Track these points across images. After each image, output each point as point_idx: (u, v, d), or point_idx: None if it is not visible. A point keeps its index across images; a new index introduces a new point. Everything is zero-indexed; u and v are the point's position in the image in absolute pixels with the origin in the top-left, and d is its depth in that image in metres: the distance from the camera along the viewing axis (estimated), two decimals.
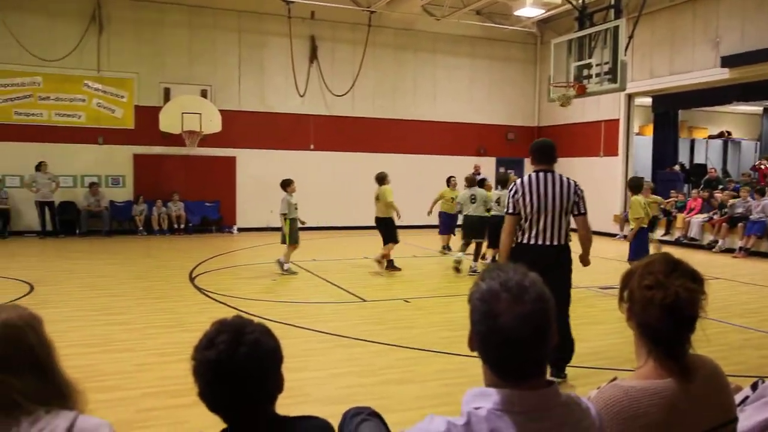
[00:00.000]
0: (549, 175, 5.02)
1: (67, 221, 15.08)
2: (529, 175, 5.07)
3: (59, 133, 15.20)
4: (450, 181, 13.66)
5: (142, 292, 8.57)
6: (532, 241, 5.05)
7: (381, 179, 10.77)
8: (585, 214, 5.16)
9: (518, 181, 5.13)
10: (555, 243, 5.04)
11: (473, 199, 10.85)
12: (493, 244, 10.09)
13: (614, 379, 1.74)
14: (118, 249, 13.14)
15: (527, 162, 20.18)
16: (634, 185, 9.02)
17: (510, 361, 1.41)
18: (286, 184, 10.32)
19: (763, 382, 1.97)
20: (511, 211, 5.10)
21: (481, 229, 10.58)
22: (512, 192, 5.10)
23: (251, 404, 1.62)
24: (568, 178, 5.09)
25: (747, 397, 1.95)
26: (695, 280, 1.68)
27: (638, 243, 8.47)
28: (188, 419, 4.06)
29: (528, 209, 5.00)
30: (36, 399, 1.47)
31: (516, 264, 1.48)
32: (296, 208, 10.32)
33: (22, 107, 14.92)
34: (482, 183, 11.74)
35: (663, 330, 1.66)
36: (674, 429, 1.61)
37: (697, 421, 1.64)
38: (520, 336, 1.37)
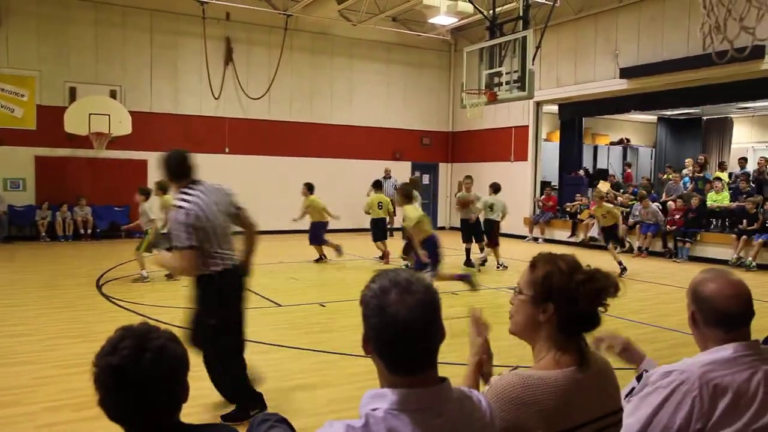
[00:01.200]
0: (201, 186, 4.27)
1: None
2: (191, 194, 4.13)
3: None
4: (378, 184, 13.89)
5: (45, 302, 8.22)
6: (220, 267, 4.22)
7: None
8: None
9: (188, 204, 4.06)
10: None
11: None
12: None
13: (515, 367, 1.81)
14: (17, 256, 12.50)
15: (442, 166, 20.73)
16: (405, 194, 8.49)
17: (403, 352, 1.45)
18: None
19: (646, 371, 2.10)
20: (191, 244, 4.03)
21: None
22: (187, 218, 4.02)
23: (155, 412, 1.58)
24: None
25: (633, 389, 2.07)
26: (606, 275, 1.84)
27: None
28: None
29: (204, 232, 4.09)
30: None
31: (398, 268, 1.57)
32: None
33: None
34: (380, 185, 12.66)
35: (592, 317, 1.79)
36: (565, 416, 1.70)
37: (587, 409, 1.74)
38: (411, 324, 1.43)
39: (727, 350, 1.99)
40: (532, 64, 12.22)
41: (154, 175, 16.15)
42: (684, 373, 1.94)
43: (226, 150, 17.16)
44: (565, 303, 1.78)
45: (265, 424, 1.92)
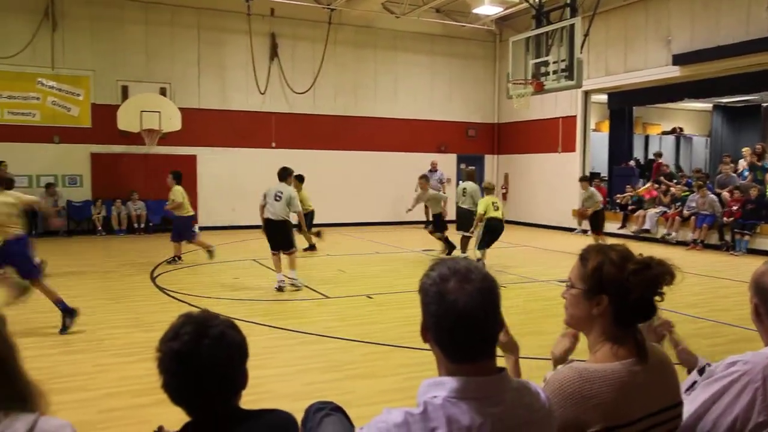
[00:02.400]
0: None
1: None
2: None
3: (13, 132, 14.79)
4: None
5: (102, 293, 8.46)
6: None
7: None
8: None
9: None
10: None
11: (464, 192, 11.64)
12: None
13: (571, 361, 1.80)
14: (76, 249, 12.91)
15: (487, 158, 20.53)
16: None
17: (462, 339, 1.46)
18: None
19: (710, 365, 2.04)
20: None
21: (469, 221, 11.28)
22: None
23: (214, 397, 1.62)
24: None
25: (695, 382, 2.03)
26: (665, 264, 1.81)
27: None
28: (150, 418, 4.02)
29: None
30: None
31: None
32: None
33: None
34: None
35: (648, 307, 1.77)
36: (624, 409, 1.67)
37: (646, 402, 1.71)
38: (471, 312, 1.43)
39: None
40: (581, 53, 11.99)
41: (203, 169, 16.55)
42: (748, 364, 1.88)
43: (273, 144, 17.36)
44: (619, 294, 1.75)
45: (320, 412, 1.97)
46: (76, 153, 15.44)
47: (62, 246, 13.37)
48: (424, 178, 12.72)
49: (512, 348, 2.10)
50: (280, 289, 8.45)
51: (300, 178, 12.33)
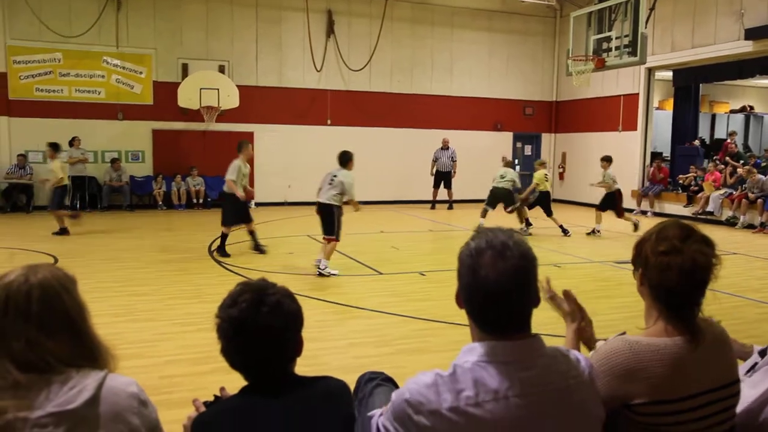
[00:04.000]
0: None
1: (90, 196, 15.31)
2: None
3: (79, 109, 15.35)
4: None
5: (162, 265, 8.73)
6: None
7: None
8: None
9: None
10: None
11: (502, 177, 12.30)
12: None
13: (623, 333, 1.78)
14: (138, 223, 13.34)
15: (544, 136, 20.13)
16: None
17: (492, 313, 1.48)
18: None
19: None
20: None
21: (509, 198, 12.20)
22: None
23: (270, 363, 1.68)
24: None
25: (756, 364, 1.98)
26: (709, 245, 1.74)
27: None
28: (208, 385, 4.13)
29: None
30: (68, 360, 1.49)
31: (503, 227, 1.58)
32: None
33: (43, 84, 15.08)
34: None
35: (679, 293, 1.71)
36: (675, 385, 1.65)
37: (700, 379, 1.68)
38: (501, 290, 1.45)
39: None
40: (645, 28, 11.61)
41: (260, 146, 16.80)
42: None
43: (328, 122, 17.46)
44: (646, 272, 1.76)
45: (372, 382, 2.01)
46: (138, 129, 15.90)
47: (125, 219, 13.86)
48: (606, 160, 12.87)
49: (574, 316, 2.06)
50: (320, 274, 8.05)
51: (54, 147, 11.26)
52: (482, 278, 1.46)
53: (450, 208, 16.79)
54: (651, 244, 1.77)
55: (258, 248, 9.65)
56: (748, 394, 1.84)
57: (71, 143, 14.75)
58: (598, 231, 12.17)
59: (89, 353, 1.55)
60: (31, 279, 1.52)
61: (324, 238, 8.38)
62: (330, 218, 8.30)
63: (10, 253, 9.26)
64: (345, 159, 8.57)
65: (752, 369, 1.97)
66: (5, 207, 14.65)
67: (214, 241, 10.05)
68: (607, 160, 12.54)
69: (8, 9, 14.63)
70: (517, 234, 1.54)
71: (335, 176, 8.33)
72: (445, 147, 17.28)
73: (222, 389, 1.87)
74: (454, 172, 17.12)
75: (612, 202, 12.46)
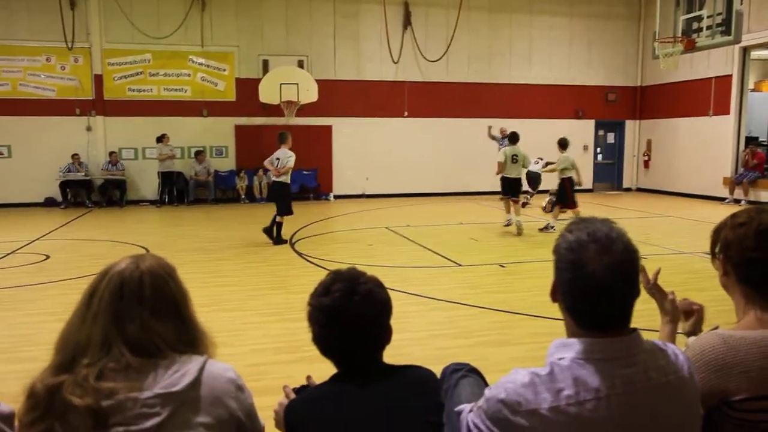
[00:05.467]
0: None
1: (178, 190, 16.02)
2: None
3: (167, 107, 16.07)
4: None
5: (246, 257, 8.98)
6: None
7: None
8: None
9: None
10: None
11: (515, 159, 11.15)
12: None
13: (716, 327, 1.72)
14: (223, 216, 13.83)
15: (628, 123, 19.43)
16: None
17: (596, 310, 1.43)
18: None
19: None
20: None
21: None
22: None
23: (361, 351, 1.71)
24: None
25: None
26: None
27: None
28: (293, 374, 4.22)
29: None
30: (173, 344, 1.56)
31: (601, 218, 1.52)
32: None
33: (134, 84, 15.90)
34: None
35: (760, 262, 1.67)
36: None
37: None
38: (607, 285, 1.39)
39: None
40: (741, 4, 10.97)
41: (338, 139, 17.02)
42: None
43: (405, 114, 17.49)
44: (727, 251, 1.74)
45: (457, 373, 1.98)
46: (222, 125, 16.47)
47: (210, 213, 14.41)
48: None
49: (674, 318, 1.98)
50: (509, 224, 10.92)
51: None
52: (587, 274, 1.40)
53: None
54: (728, 225, 1.75)
55: (280, 239, 9.84)
56: None
57: (160, 140, 15.46)
58: (552, 227, 10.84)
59: (192, 338, 1.62)
60: (141, 266, 1.60)
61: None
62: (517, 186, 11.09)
63: (109, 246, 9.80)
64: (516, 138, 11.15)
65: None
66: (101, 201, 15.53)
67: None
68: (560, 143, 11.19)
69: (104, 14, 15.47)
70: (616, 224, 1.49)
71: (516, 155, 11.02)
72: (505, 136, 16.68)
73: (309, 377, 1.91)
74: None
75: (561, 191, 11.12)
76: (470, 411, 1.55)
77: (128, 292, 1.55)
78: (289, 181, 9.98)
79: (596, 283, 1.40)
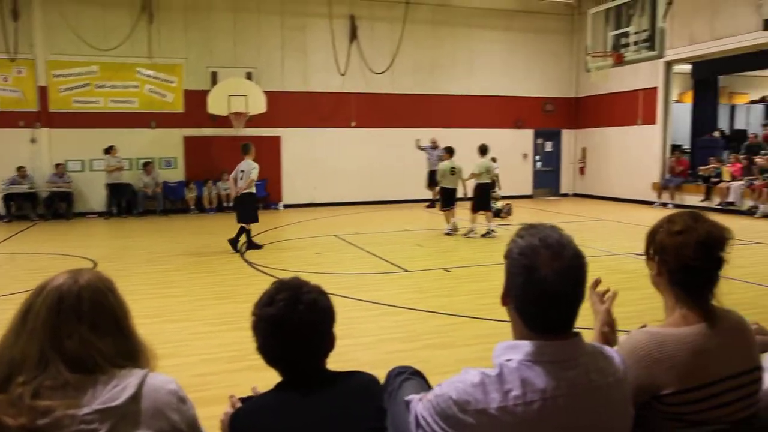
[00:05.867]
0: None
1: (126, 202, 15.88)
2: None
3: (115, 119, 15.96)
4: None
5: (195, 267, 8.93)
6: None
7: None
8: None
9: None
10: None
11: (453, 171, 11.76)
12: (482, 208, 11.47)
13: (644, 325, 1.81)
14: (172, 227, 13.77)
15: (564, 132, 20.32)
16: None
17: (547, 313, 1.47)
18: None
19: None
20: None
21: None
22: None
23: (305, 358, 1.72)
24: None
25: None
26: (719, 224, 1.79)
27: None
28: (241, 383, 4.17)
29: None
30: (113, 359, 1.52)
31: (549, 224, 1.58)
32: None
33: (80, 95, 15.73)
34: None
35: (697, 270, 1.73)
36: (698, 372, 1.67)
37: (720, 366, 1.70)
38: (558, 290, 1.44)
39: None
40: (663, 22, 11.70)
41: (287, 149, 17.26)
42: None
43: (353, 124, 17.86)
44: (662, 256, 1.79)
45: (401, 376, 2.12)
46: (170, 137, 16.46)
47: (158, 224, 14.33)
48: None
49: (605, 316, 1.97)
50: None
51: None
52: (540, 278, 1.43)
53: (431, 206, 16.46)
54: (664, 229, 1.80)
55: (252, 245, 10.30)
56: None
57: (108, 152, 15.37)
58: (493, 231, 11.24)
59: (132, 352, 1.59)
60: (79, 281, 1.57)
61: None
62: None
63: (52, 258, 9.62)
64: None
65: None
66: (46, 214, 15.28)
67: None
68: (480, 149, 11.67)
69: (48, 26, 15.29)
70: (563, 231, 1.53)
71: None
72: (434, 146, 16.56)
73: (254, 388, 1.91)
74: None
75: (480, 195, 11.53)
76: (419, 401, 1.60)
77: (66, 307, 1.52)
78: (254, 191, 10.42)
79: (548, 287, 1.43)
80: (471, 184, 11.69)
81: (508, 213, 14.26)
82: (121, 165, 15.58)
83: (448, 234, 11.69)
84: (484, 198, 11.53)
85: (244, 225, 10.18)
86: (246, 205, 10.25)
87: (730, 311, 1.82)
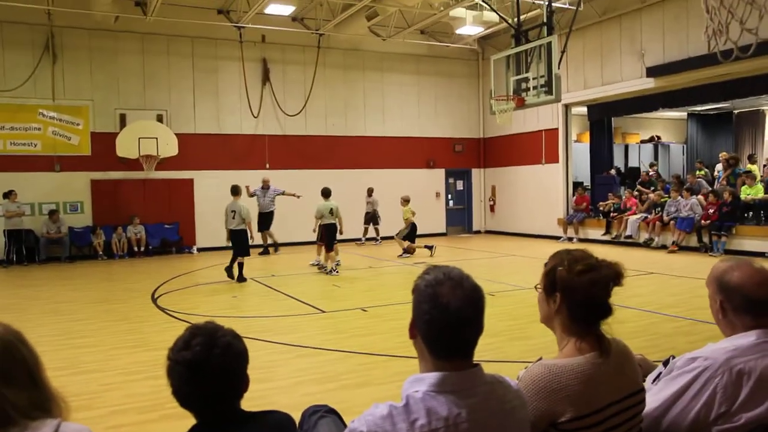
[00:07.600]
0: None
1: (27, 249, 15.10)
2: None
3: (15, 162, 15.26)
4: None
5: (105, 315, 8.67)
6: None
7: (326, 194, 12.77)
8: None
9: None
10: None
11: (331, 211, 12.62)
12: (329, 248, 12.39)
13: (540, 358, 1.92)
14: (79, 274, 13.26)
15: (474, 171, 21.09)
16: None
17: (449, 338, 1.58)
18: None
19: (674, 358, 2.15)
20: None
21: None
22: None
23: (221, 400, 1.76)
24: None
25: (660, 374, 2.15)
26: (617, 263, 1.94)
27: None
28: None
29: None
30: (25, 410, 1.49)
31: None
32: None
33: None
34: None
35: (600, 306, 1.88)
36: (591, 399, 1.81)
37: (610, 391, 1.85)
38: (460, 316, 1.58)
39: (750, 337, 2.03)
40: (558, 68, 12.40)
41: (200, 192, 17.00)
42: (708, 360, 2.00)
43: (267, 165, 17.85)
44: (568, 293, 1.91)
45: (316, 414, 2.18)
46: (76, 180, 15.88)
47: (64, 271, 13.73)
48: None
49: None
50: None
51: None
52: (444, 305, 1.56)
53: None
54: (565, 268, 1.90)
55: (242, 278, 11.38)
56: (650, 401, 2.02)
57: (6, 196, 14.64)
58: (335, 269, 12.32)
59: (45, 403, 1.56)
60: None
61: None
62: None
63: None
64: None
65: (658, 378, 2.15)
66: None
67: (158, 287, 10.00)
68: (322, 193, 13.07)
69: None
70: (462, 270, 1.67)
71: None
72: (265, 187, 16.27)
73: None
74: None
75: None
76: None
77: None
78: (246, 228, 11.53)
79: (451, 312, 1.56)
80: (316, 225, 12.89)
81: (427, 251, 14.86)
82: (22, 211, 14.84)
83: (323, 270, 12.40)
84: (329, 237, 12.45)
85: (240, 258, 11.34)
86: (243, 240, 11.41)
87: (616, 339, 1.96)
